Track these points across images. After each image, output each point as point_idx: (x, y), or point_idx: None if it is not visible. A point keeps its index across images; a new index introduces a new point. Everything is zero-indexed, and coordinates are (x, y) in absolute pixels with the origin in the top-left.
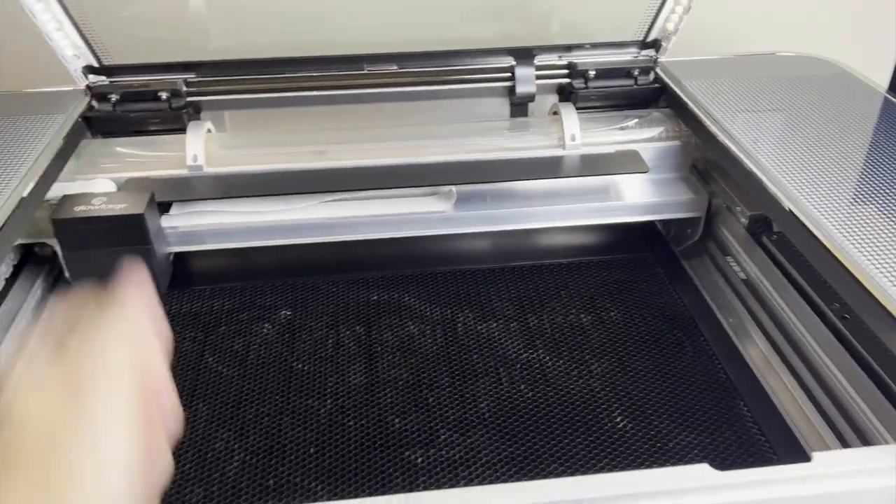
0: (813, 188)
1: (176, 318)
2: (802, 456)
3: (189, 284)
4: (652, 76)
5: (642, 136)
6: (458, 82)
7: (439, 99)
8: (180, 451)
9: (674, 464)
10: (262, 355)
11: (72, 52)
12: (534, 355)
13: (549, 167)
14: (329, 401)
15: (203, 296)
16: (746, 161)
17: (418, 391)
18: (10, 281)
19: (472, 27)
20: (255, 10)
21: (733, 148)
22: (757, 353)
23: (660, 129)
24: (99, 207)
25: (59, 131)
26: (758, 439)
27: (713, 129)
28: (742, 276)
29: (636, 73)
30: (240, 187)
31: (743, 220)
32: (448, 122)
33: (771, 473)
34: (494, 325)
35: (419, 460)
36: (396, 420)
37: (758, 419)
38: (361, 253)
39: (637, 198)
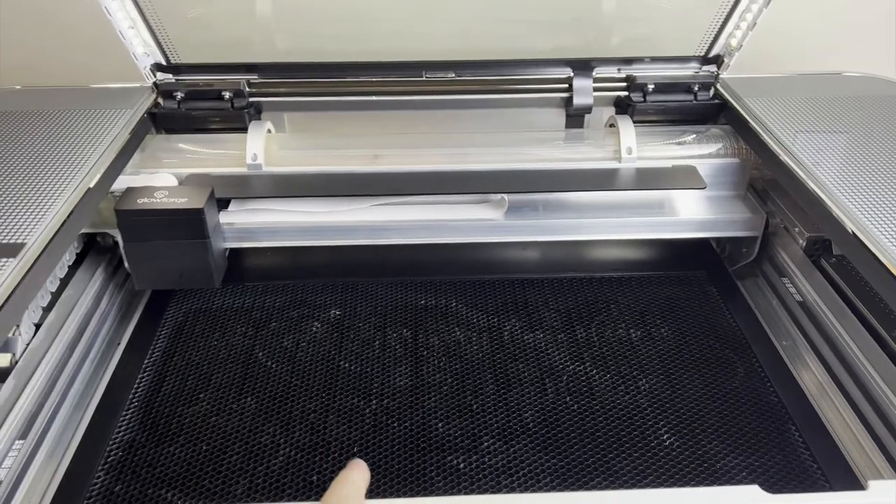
0: (877, 211)
1: (228, 313)
2: (856, 484)
3: (242, 280)
4: (712, 92)
5: (700, 151)
6: (515, 91)
7: (496, 108)
8: (227, 443)
9: (719, 485)
10: (311, 353)
11: (142, 50)
12: (580, 368)
13: (603, 179)
14: (374, 401)
15: (256, 292)
16: (808, 181)
17: (462, 397)
18: (73, 268)
19: (531, 37)
20: (318, 15)
21: (794, 167)
22: (811, 377)
23: (718, 146)
24: (161, 200)
25: (126, 126)
26: (809, 465)
27: (774, 146)
28: (798, 298)
29: (696, 88)
30: (296, 187)
31: (801, 241)
32: (503, 131)
33: (825, 500)
34: (541, 335)
35: (461, 466)
36: (440, 424)
37: (810, 444)
38: (411, 257)
39: (692, 214)
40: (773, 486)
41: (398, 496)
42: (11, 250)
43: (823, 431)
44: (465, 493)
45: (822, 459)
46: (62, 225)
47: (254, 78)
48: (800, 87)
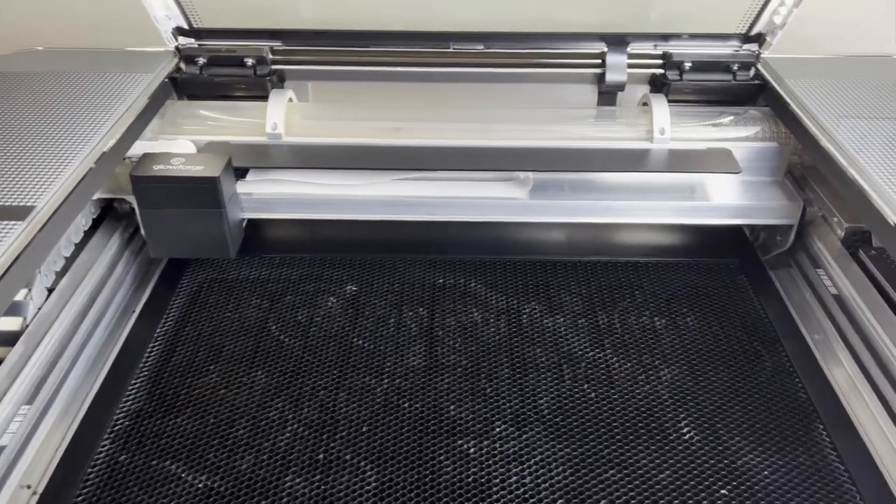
0: None
1: (244, 284)
2: (884, 488)
3: (259, 251)
4: (752, 72)
5: (737, 134)
6: (545, 66)
7: (525, 83)
8: (235, 417)
9: (740, 483)
10: (325, 328)
11: (164, 13)
12: (600, 355)
13: (634, 160)
14: (386, 380)
15: (272, 264)
16: (849, 168)
17: (476, 380)
18: (89, 233)
19: (564, 9)
20: None
21: (836, 154)
22: (842, 374)
23: (756, 129)
24: (177, 168)
25: (146, 91)
26: (835, 467)
27: (815, 132)
28: (833, 291)
29: (735, 67)
30: (316, 158)
31: (839, 231)
32: (532, 107)
33: None
34: (561, 319)
35: (472, 451)
36: (452, 407)
37: (837, 445)
38: (430, 234)
39: (726, 199)
40: (796, 487)
41: (404, 480)
42: (20, 213)
43: (852, 432)
44: (474, 479)
45: (850, 461)
46: (74, 189)
47: (277, 45)
48: (846, 69)
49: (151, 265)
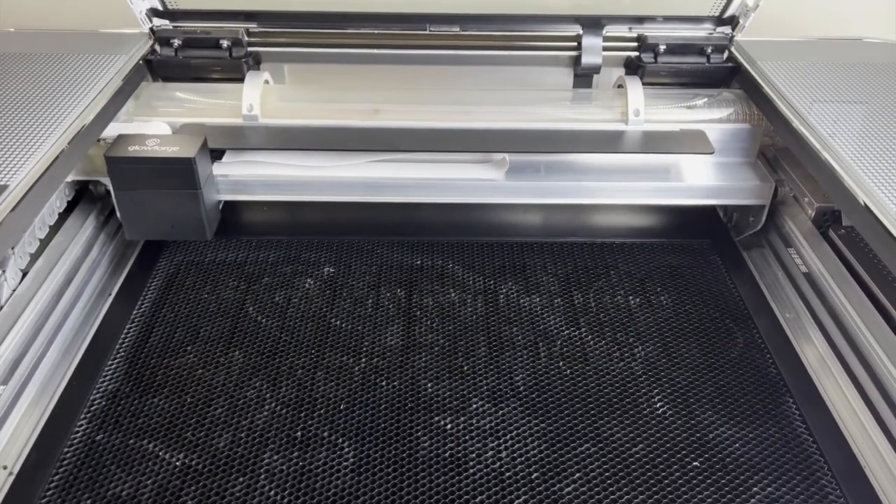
0: (892, 182)
1: (221, 267)
2: (852, 460)
3: (236, 234)
4: (726, 55)
5: (710, 116)
6: (522, 49)
7: (501, 65)
8: (212, 397)
9: (711, 455)
10: (302, 309)
11: None
12: (575, 333)
13: (609, 142)
14: (364, 360)
15: (249, 246)
16: (820, 149)
17: (454, 358)
18: (64, 216)
19: None
20: None
21: (807, 135)
22: (812, 350)
23: (729, 111)
24: (152, 149)
25: (120, 72)
26: (804, 438)
27: (787, 113)
28: (803, 269)
29: (709, 50)
30: (292, 140)
31: (810, 211)
32: (508, 89)
33: None
34: (538, 299)
35: (448, 426)
36: (429, 385)
37: (806, 418)
38: (408, 216)
39: (699, 180)
40: (766, 459)
41: (382, 456)
42: None
43: (821, 405)
44: (451, 454)
45: (819, 433)
46: (47, 169)
47: (253, 26)
48: (818, 52)
49: (128, 248)
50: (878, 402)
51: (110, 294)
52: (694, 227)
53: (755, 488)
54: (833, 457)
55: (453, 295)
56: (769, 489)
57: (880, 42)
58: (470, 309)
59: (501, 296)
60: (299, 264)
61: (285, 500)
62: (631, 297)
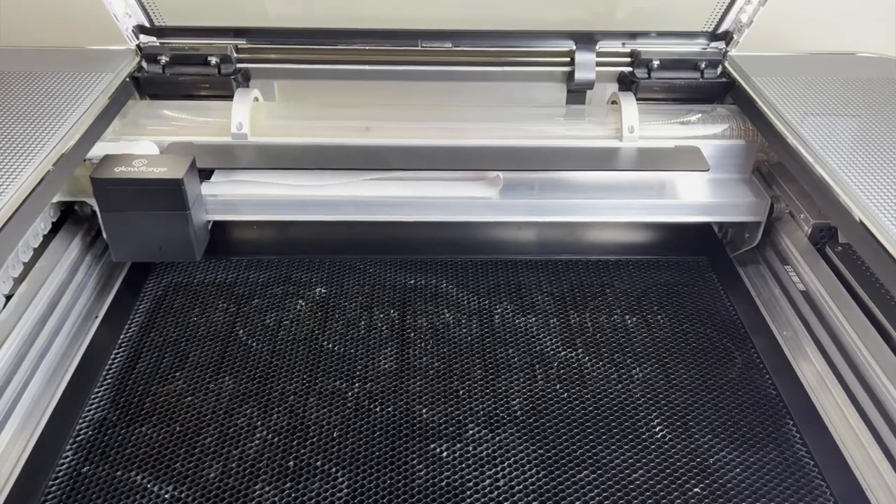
0: (887, 199)
1: (210, 288)
2: (853, 482)
3: (226, 254)
4: (720, 70)
5: (705, 132)
6: (514, 64)
7: (494, 81)
8: (201, 425)
9: (712, 481)
10: (294, 332)
11: (123, 11)
12: (572, 354)
13: (603, 159)
14: (357, 385)
15: (239, 267)
16: (816, 165)
17: (449, 382)
18: (49, 237)
19: (533, 7)
20: None
21: (803, 151)
22: (811, 370)
23: (724, 127)
24: (139, 170)
25: (106, 90)
26: (806, 462)
27: (782, 129)
28: (800, 287)
29: (703, 65)
30: (283, 159)
31: (806, 228)
32: (502, 105)
33: None
34: (533, 319)
35: (445, 454)
36: (424, 410)
37: (807, 441)
38: (401, 235)
39: (694, 197)
40: (767, 484)
41: (377, 486)
42: None
43: (822, 427)
44: (447, 483)
45: (819, 456)
46: (32, 191)
47: (242, 43)
48: (811, 67)
49: (114, 270)
50: (878, 422)
51: (97, 317)
52: (689, 243)
53: None
54: (834, 480)
55: (448, 315)
56: None
57: (875, 57)
58: (465, 330)
59: (496, 316)
60: (290, 285)
61: None
62: (627, 316)
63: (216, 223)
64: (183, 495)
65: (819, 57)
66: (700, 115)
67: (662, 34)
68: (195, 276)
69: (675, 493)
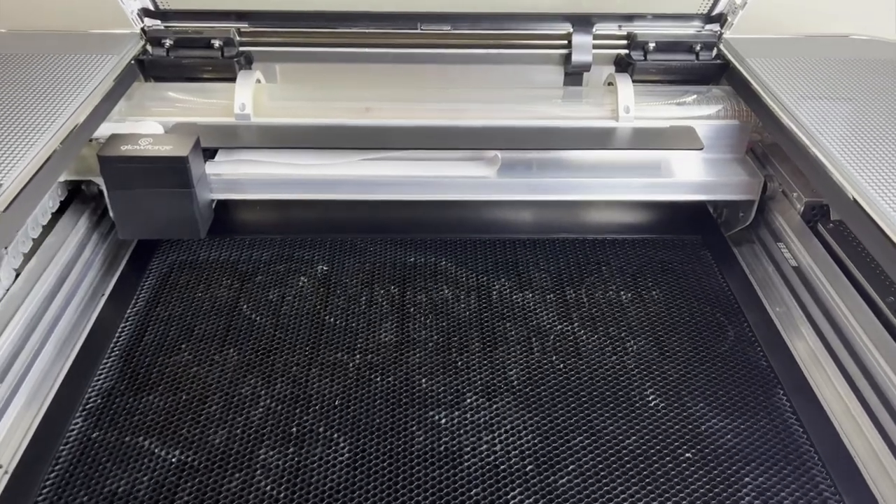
0: (879, 177)
1: (214, 265)
2: (841, 448)
3: (230, 232)
4: (714, 52)
5: (699, 112)
6: (512, 47)
7: (492, 63)
8: (207, 394)
9: (704, 446)
10: (296, 307)
11: None
12: (568, 328)
13: (599, 138)
14: (358, 356)
15: (242, 245)
16: (808, 144)
17: (448, 354)
18: (57, 216)
19: None
20: None
21: (796, 130)
22: (802, 343)
23: (718, 107)
24: (144, 148)
25: (111, 72)
26: (795, 429)
27: (776, 109)
28: (793, 263)
29: (698, 47)
30: (284, 138)
31: (799, 206)
32: (500, 87)
33: None
34: (530, 295)
35: (443, 421)
36: (423, 380)
37: (797, 408)
38: (401, 214)
39: (689, 176)
40: (757, 449)
41: (377, 451)
42: None
43: (811, 395)
44: (446, 448)
45: (809, 423)
46: (40, 168)
47: (244, 26)
48: (804, 49)
49: (120, 248)
50: (866, 390)
51: (103, 294)
52: (685, 223)
53: (747, 478)
54: (822, 445)
55: (447, 291)
56: (760, 479)
57: (867, 39)
58: (463, 305)
59: (494, 292)
60: (293, 262)
61: (282, 495)
62: (623, 293)
63: (220, 204)
64: (189, 459)
65: (812, 39)
66: (695, 96)
67: (658, 17)
68: (199, 254)
69: (668, 458)
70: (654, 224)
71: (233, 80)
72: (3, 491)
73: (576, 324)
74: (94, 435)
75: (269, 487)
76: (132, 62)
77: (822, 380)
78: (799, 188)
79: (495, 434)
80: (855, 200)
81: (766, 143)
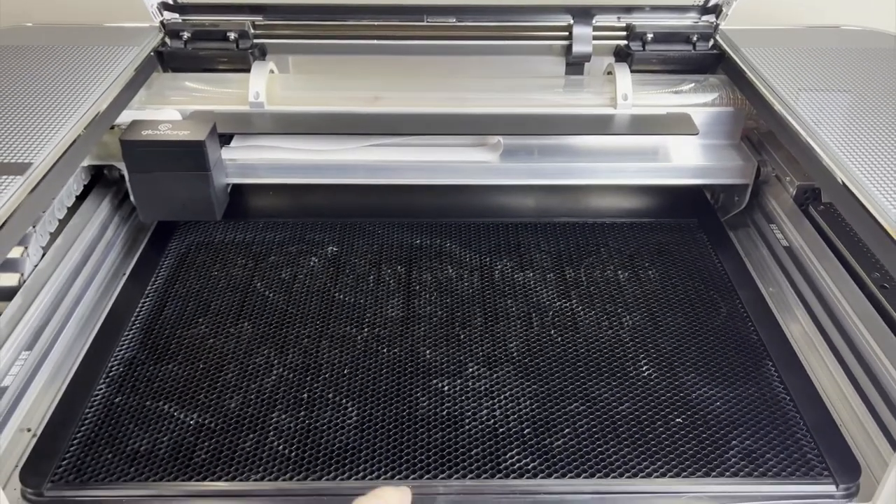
0: (865, 159)
1: (229, 246)
2: (826, 415)
3: (245, 216)
4: (711, 42)
5: (696, 100)
6: (515, 38)
7: (496, 54)
8: (223, 363)
9: (693, 412)
10: (307, 285)
11: None
12: (567, 304)
13: (599, 124)
14: (366, 329)
15: (256, 227)
16: (799, 128)
17: (451, 327)
18: (80, 199)
19: None
20: None
21: (788, 116)
22: (792, 318)
23: (714, 95)
24: (164, 133)
25: (132, 63)
26: (782, 398)
27: (769, 96)
28: (784, 244)
29: (695, 38)
30: (296, 125)
31: (791, 189)
32: (503, 76)
33: None
34: (531, 274)
35: (446, 388)
36: (428, 352)
37: (785, 379)
38: (408, 198)
39: (686, 161)
40: (745, 415)
41: (383, 416)
42: (19, 169)
43: (799, 366)
44: (448, 412)
45: (796, 391)
46: (67, 149)
47: (259, 19)
48: (797, 39)
49: (139, 232)
50: (850, 361)
51: (124, 274)
52: (682, 207)
53: (734, 441)
54: (808, 412)
55: (451, 271)
56: (747, 442)
57: (858, 29)
58: (466, 283)
59: (496, 272)
60: (304, 244)
61: (293, 454)
62: (620, 272)
63: (235, 189)
64: (206, 421)
65: (805, 30)
66: (692, 84)
67: (656, 8)
68: (216, 235)
69: (659, 423)
70: (652, 208)
71: (247, 70)
72: (33, 450)
73: (574, 301)
74: (118, 399)
75: (281, 447)
76: (152, 54)
77: (810, 351)
78: (792, 172)
79: (495, 400)
80: (844, 184)
81: (761, 130)
